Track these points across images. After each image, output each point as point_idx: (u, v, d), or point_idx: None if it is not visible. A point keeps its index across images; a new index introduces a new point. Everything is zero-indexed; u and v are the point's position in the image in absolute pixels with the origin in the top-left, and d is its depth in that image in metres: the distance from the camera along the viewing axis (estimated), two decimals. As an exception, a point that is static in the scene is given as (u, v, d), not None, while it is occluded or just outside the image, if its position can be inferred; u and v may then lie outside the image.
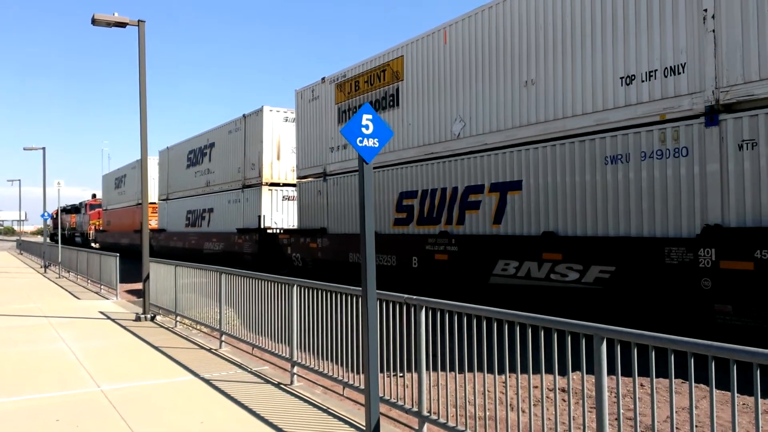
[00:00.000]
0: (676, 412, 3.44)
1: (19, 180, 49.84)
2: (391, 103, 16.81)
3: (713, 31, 9.59)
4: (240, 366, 8.08)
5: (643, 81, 10.48)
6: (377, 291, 5.01)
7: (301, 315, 7.16)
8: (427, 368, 5.18)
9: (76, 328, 11.23)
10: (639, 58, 10.56)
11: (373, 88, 17.67)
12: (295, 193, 22.08)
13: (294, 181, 22.58)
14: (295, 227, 22.01)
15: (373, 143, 4.94)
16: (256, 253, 23.38)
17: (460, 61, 14.31)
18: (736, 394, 3.06)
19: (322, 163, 19.93)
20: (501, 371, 4.49)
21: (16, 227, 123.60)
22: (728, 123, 9.33)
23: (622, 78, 10.77)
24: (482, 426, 4.62)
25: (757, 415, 2.92)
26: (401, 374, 5.67)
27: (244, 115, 25.94)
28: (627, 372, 3.71)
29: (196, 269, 10.82)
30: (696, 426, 3.33)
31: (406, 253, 15.62)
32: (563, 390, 6.65)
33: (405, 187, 16.17)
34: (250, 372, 7.74)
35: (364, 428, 5.07)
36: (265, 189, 24.18)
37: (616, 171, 10.72)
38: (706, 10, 9.65)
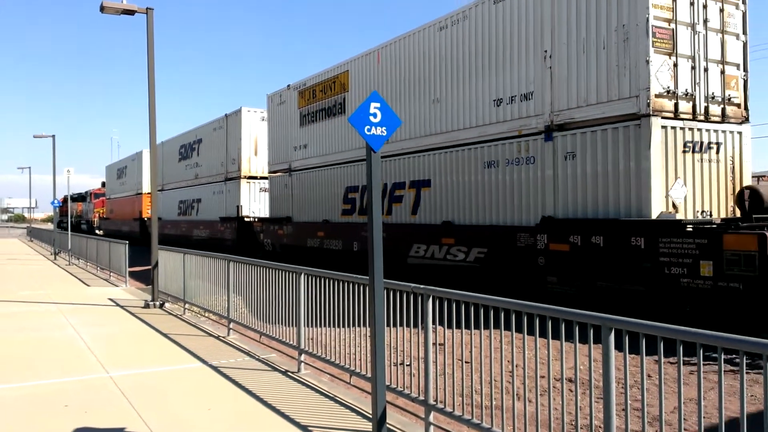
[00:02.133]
0: (684, 403, 3.26)
1: (29, 167, 49.46)
2: (340, 110, 19.38)
3: (550, 68, 12.07)
4: (248, 353, 8.07)
5: (507, 104, 13.09)
6: (384, 280, 4.96)
7: (309, 303, 7.14)
8: (434, 357, 5.15)
9: (86, 315, 11.23)
10: (504, 85, 13.20)
11: (326, 96, 20.17)
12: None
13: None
14: (267, 216, 24.49)
15: (381, 131, 4.84)
16: (234, 239, 25.62)
17: (388, 78, 17.05)
18: (745, 386, 3.05)
19: (288, 160, 22.51)
20: (508, 361, 4.52)
21: (26, 214, 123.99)
22: (558, 139, 12.00)
23: (494, 100, 13.51)
24: (488, 415, 4.63)
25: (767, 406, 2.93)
26: (408, 363, 5.65)
27: (226, 115, 27.82)
28: (635, 362, 3.71)
29: (205, 257, 10.82)
30: (704, 417, 3.16)
31: (349, 238, 18.25)
32: (570, 380, 6.55)
33: (350, 183, 18.79)
34: (258, 359, 7.73)
35: (371, 416, 5.04)
36: (243, 182, 26.36)
37: (491, 173, 13.51)
38: (546, 51, 12.24)
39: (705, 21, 11.21)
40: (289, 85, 22.78)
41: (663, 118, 10.59)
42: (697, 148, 11.01)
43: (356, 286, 6.18)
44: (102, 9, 12.46)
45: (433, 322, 5.14)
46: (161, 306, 12.22)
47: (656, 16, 10.55)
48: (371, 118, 4.78)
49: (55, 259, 26.95)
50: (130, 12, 12.68)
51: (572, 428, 5.20)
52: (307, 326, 7.16)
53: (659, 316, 8.81)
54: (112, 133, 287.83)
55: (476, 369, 4.80)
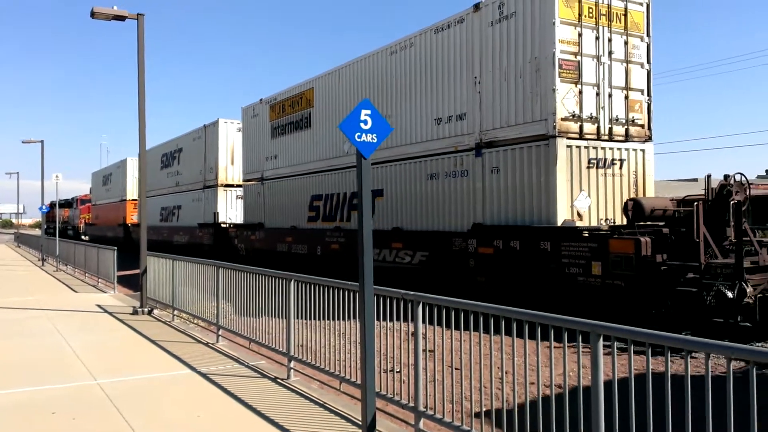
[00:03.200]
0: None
1: (17, 173, 50.62)
2: (306, 125, 20.90)
3: (479, 92, 13.75)
4: (237, 360, 8.06)
5: (445, 122, 14.77)
6: (374, 287, 4.98)
7: (298, 309, 7.15)
8: (424, 364, 5.15)
9: (74, 321, 11.21)
10: (443, 106, 14.80)
11: (294, 111, 21.70)
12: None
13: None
14: (241, 222, 26.06)
15: (372, 138, 4.78)
16: (212, 244, 26.94)
17: (348, 96, 18.52)
18: (756, 395, 2.95)
19: (260, 169, 24.05)
20: (498, 367, 4.45)
21: (14, 220, 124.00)
22: (486, 155, 13.62)
23: (435, 119, 15.13)
24: (478, 422, 4.56)
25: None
26: (398, 369, 5.64)
27: (204, 125, 29.18)
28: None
29: (193, 263, 10.84)
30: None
31: (314, 243, 19.69)
32: (559, 386, 6.47)
33: (315, 191, 20.31)
34: (247, 366, 7.71)
35: (361, 423, 5.00)
36: (220, 189, 27.82)
37: (433, 185, 15.12)
38: (476, 77, 13.86)
39: (610, 53, 12.84)
40: (261, 99, 24.32)
41: (568, 138, 12.20)
42: (601, 164, 12.63)
43: (346, 292, 6.18)
44: (93, 15, 12.35)
45: (423, 329, 5.14)
46: (150, 312, 12.17)
47: (563, 50, 12.17)
48: (362, 125, 4.74)
49: (42, 265, 26.98)
50: (121, 18, 12.56)
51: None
52: (297, 333, 7.19)
53: (563, 311, 10.36)
54: (102, 139, 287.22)
55: (466, 375, 4.79)
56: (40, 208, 33.25)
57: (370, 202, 4.90)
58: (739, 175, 10.06)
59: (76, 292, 16.59)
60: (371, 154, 4.83)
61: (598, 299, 10.88)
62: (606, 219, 12.57)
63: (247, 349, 8.81)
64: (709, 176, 10.34)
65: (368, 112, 4.79)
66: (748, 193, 10.14)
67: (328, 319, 6.56)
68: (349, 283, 6.15)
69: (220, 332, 9.36)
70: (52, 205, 49.88)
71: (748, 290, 9.03)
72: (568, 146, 12.20)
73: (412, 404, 5.24)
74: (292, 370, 7.18)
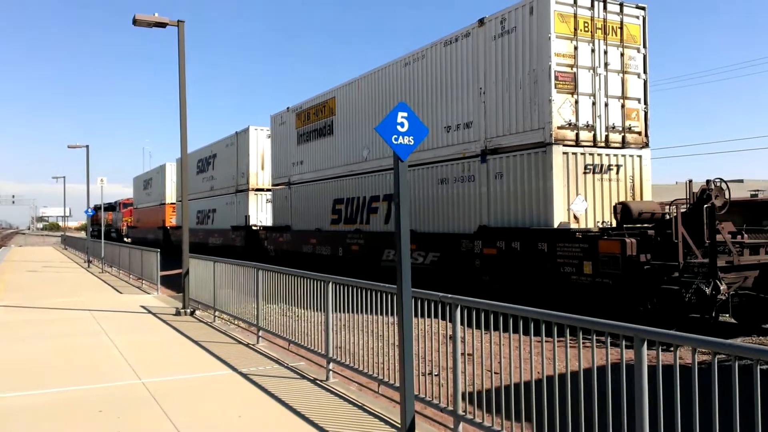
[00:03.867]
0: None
1: (64, 177, 49.56)
2: (329, 132, 22.10)
3: (484, 102, 14.67)
4: (276, 361, 8.12)
5: (454, 130, 15.74)
6: (412, 289, 4.97)
7: (337, 311, 7.21)
8: (463, 367, 5.11)
9: (119, 322, 11.46)
10: (452, 114, 15.81)
11: (318, 119, 22.91)
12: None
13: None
14: (270, 225, 27.46)
15: (409, 141, 4.78)
16: (243, 246, 28.28)
17: (366, 104, 19.64)
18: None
19: (288, 174, 25.42)
20: (538, 372, 4.42)
21: (60, 223, 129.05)
22: (491, 161, 14.56)
23: (445, 127, 16.14)
24: (519, 427, 4.52)
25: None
26: (436, 373, 5.63)
27: (236, 132, 30.65)
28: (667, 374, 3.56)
29: (234, 265, 10.96)
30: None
31: (336, 245, 20.87)
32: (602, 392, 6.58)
33: (337, 195, 21.45)
34: (287, 367, 7.78)
35: (399, 426, 4.99)
36: (251, 194, 29.17)
37: (443, 189, 16.12)
38: (481, 88, 14.82)
39: (606, 64, 13.57)
40: (288, 108, 25.63)
41: (565, 145, 12.99)
42: (597, 170, 13.37)
43: (384, 294, 6.21)
44: (134, 22, 12.61)
45: (461, 332, 5.12)
46: (192, 313, 12.33)
47: (558, 63, 12.97)
48: (398, 127, 4.72)
49: (88, 266, 27.38)
50: (162, 25, 12.76)
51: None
52: (335, 335, 7.27)
53: (559, 308, 11.20)
54: (144, 143, 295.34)
55: (505, 379, 4.76)
56: (86, 211, 34.52)
57: (407, 205, 4.84)
58: (719, 180, 10.69)
59: (120, 293, 16.90)
60: (408, 156, 4.79)
61: (590, 297, 11.65)
62: (603, 222, 13.28)
63: (287, 350, 8.93)
64: (690, 181, 10.99)
65: (405, 114, 4.76)
66: (728, 197, 10.76)
67: (366, 321, 6.59)
68: (387, 285, 6.14)
69: (260, 333, 9.46)
70: (97, 209, 52.08)
71: (721, 288, 9.71)
72: (564, 153, 12.99)
73: (451, 408, 5.20)
74: (330, 372, 7.21)
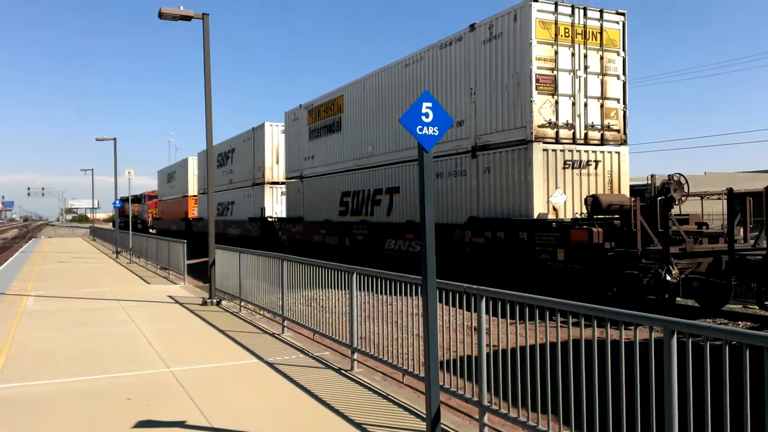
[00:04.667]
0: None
1: (92, 169, 50.71)
2: (338, 128, 23.47)
3: (474, 102, 15.78)
4: (302, 351, 8.18)
5: (449, 128, 16.00)
6: (437, 280, 4.90)
7: (361, 302, 7.24)
8: (487, 358, 5.10)
9: (147, 311, 11.59)
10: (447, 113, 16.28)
11: (328, 115, 24.26)
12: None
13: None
14: (284, 216, 29.02)
15: (433, 131, 4.69)
16: (259, 236, 29.89)
17: (371, 103, 20.93)
18: None
19: (300, 168, 26.83)
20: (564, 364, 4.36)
21: (89, 214, 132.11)
22: (480, 157, 15.77)
23: None
24: (545, 418, 4.52)
25: None
26: (461, 363, 5.65)
27: (253, 128, 32.13)
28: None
29: (259, 256, 11.01)
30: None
31: (343, 235, 22.25)
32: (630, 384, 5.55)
33: (344, 188, 22.81)
34: (312, 357, 7.83)
35: (424, 416, 4.97)
36: (267, 187, 30.68)
37: (438, 183, 17.19)
38: (471, 88, 16.00)
39: (586, 67, 14.61)
40: (300, 105, 27.03)
41: (545, 143, 14.09)
42: (576, 165, 14.45)
43: (408, 285, 6.22)
44: (160, 15, 12.71)
45: (486, 322, 5.07)
46: (218, 303, 12.43)
47: (539, 66, 14.05)
48: (423, 117, 4.65)
49: (116, 257, 27.80)
50: (187, 18, 12.83)
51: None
52: (359, 325, 7.26)
53: (538, 292, 12.38)
54: (170, 136, 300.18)
55: (531, 371, 4.68)
56: (114, 203, 35.16)
57: (432, 195, 4.78)
58: (678, 175, 11.72)
59: (148, 283, 17.07)
60: (432, 147, 4.70)
61: (564, 281, 12.78)
62: (581, 213, 14.36)
63: (312, 340, 8.96)
64: (653, 176, 12.04)
65: (429, 104, 4.66)
66: (686, 191, 11.79)
67: (390, 312, 6.61)
68: (411, 276, 6.18)
69: (285, 323, 9.54)
70: (124, 200, 53.46)
71: (674, 272, 10.78)
72: (544, 150, 14.09)
73: (476, 398, 5.20)
74: (355, 362, 7.23)
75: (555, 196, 14.16)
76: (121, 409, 5.75)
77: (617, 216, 12.88)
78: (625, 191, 14.95)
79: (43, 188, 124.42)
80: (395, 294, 6.43)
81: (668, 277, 10.76)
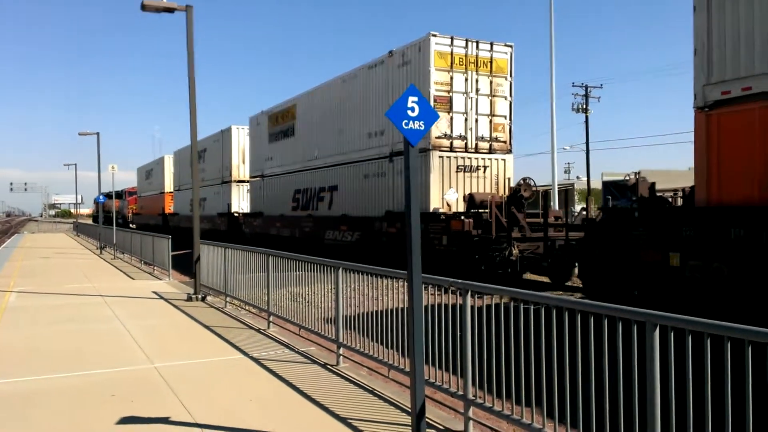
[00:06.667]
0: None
1: (75, 164, 49.86)
2: (291, 133, 26.89)
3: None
4: (287, 346, 8.15)
5: (373, 136, 20.26)
6: (423, 275, 4.93)
7: (347, 296, 7.27)
8: (473, 352, 5.11)
9: (132, 307, 11.50)
10: (371, 124, 20.40)
11: (285, 122, 27.61)
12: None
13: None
14: (247, 211, 32.40)
15: (419, 126, 4.69)
16: (226, 229, 33.09)
17: (318, 112, 24.43)
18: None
19: (262, 168, 30.09)
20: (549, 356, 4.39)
21: (72, 210, 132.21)
22: (396, 161, 18.82)
23: (368, 133, 20.43)
24: (528, 411, 4.56)
25: None
26: (446, 358, 5.67)
27: (221, 131, 35.47)
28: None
29: (245, 251, 11.02)
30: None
31: (294, 227, 25.66)
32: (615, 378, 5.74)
33: (296, 186, 26.17)
34: (297, 352, 7.80)
35: (410, 410, 4.97)
36: (234, 184, 33.90)
37: (366, 182, 20.69)
38: (389, 103, 18.05)
39: (477, 89, 18.00)
40: (262, 111, 30.32)
41: (441, 151, 17.46)
42: (467, 169, 17.84)
43: (394, 280, 6.29)
44: (143, 7, 12.41)
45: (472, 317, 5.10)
46: (203, 299, 12.37)
47: (437, 89, 17.41)
48: (409, 112, 4.64)
49: (101, 253, 27.42)
50: (170, 10, 12.58)
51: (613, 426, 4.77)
52: (345, 319, 7.26)
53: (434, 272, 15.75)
54: (154, 131, 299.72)
55: (516, 364, 4.72)
56: (97, 198, 35.95)
57: (417, 190, 4.79)
58: (528, 178, 15.15)
59: (133, 279, 17.03)
60: (418, 141, 4.71)
61: (449, 261, 16.13)
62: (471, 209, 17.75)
63: (298, 336, 8.97)
64: (509, 178, 15.45)
65: (415, 99, 4.65)
66: (535, 189, 15.21)
67: (376, 306, 6.63)
68: (396, 271, 6.28)
69: (271, 318, 9.53)
70: (108, 196, 54.38)
71: (514, 252, 14.19)
72: (440, 156, 17.47)
73: (461, 392, 5.25)
74: (341, 357, 7.26)
75: (448, 194, 17.54)
76: (105, 405, 5.70)
77: (486, 210, 16.30)
78: (507, 191, 18.32)
79: (26, 183, 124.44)
80: (382, 289, 6.56)
81: (511, 257, 14.16)
